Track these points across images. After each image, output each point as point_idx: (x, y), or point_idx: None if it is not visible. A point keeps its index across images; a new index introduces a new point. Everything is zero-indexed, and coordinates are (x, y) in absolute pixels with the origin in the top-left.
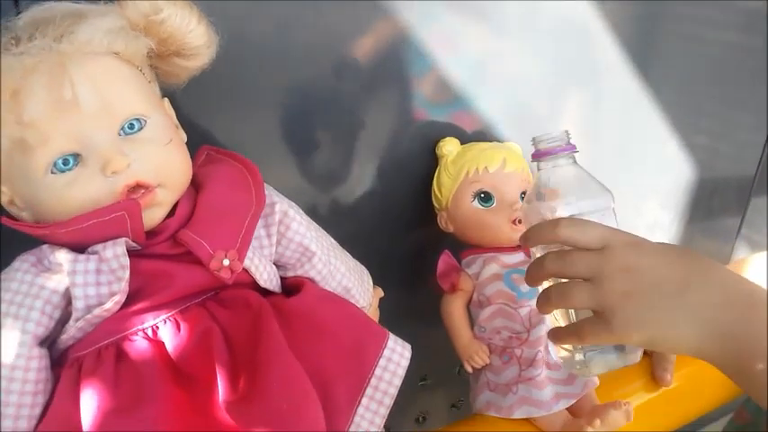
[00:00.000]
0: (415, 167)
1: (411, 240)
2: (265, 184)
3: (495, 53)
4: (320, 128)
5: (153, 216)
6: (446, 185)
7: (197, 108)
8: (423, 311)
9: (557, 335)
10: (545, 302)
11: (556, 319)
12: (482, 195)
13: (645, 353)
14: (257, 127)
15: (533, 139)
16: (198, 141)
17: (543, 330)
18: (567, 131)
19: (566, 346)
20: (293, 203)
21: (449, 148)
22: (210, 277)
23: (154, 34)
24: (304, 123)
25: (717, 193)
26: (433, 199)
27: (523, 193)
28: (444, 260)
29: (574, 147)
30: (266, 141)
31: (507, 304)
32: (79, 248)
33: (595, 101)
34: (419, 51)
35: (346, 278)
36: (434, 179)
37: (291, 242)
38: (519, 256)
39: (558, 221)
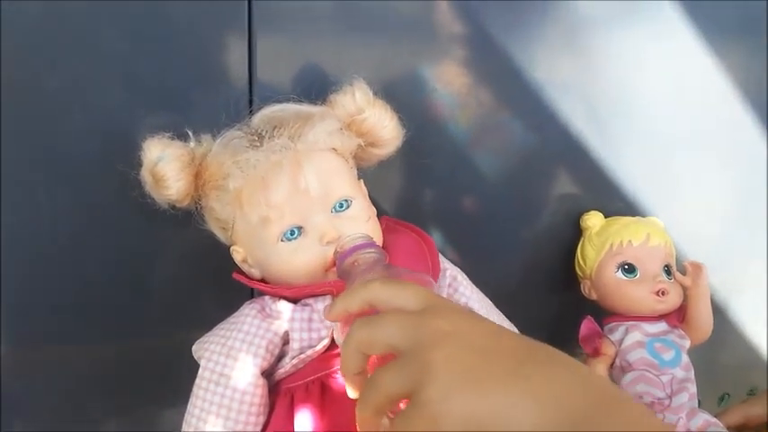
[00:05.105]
0: (560, 238)
1: (554, 304)
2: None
3: None
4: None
5: None
6: (590, 256)
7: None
8: None
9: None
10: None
11: None
12: (626, 267)
13: None
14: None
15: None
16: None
17: (685, 398)
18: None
19: None
20: (459, 269)
21: (593, 221)
22: None
23: (355, 128)
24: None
25: None
26: (577, 267)
27: (666, 266)
28: (587, 325)
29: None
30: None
31: (649, 371)
32: (293, 300)
33: None
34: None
35: None
36: (578, 249)
37: (458, 302)
38: (661, 326)
39: (369, 283)
